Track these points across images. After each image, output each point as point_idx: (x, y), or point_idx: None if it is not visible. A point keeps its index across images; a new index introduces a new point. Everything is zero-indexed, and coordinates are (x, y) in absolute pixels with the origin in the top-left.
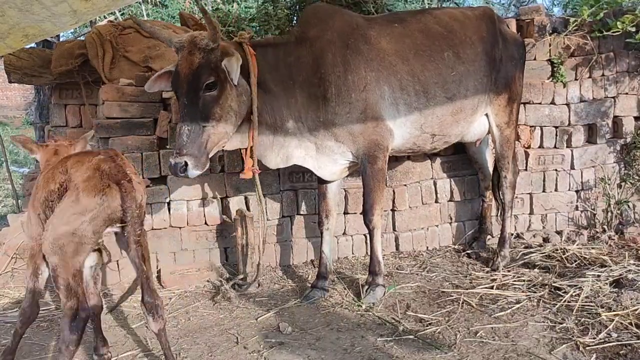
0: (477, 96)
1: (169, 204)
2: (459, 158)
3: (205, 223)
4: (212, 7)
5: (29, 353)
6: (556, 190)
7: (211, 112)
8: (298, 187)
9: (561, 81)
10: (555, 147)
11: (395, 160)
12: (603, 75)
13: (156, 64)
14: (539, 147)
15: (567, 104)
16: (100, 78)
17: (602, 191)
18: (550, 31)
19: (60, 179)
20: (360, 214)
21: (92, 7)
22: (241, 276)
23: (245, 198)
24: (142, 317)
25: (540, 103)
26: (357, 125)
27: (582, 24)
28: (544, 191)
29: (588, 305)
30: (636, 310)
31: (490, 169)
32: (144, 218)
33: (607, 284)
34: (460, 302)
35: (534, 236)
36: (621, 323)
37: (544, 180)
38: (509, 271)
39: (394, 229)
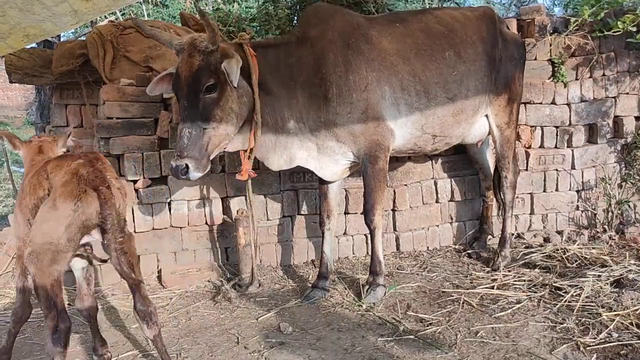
0: (477, 96)
1: (169, 204)
2: (460, 158)
3: (206, 223)
4: (212, 7)
5: (30, 353)
6: (557, 190)
7: (212, 114)
8: (299, 187)
9: (562, 81)
10: (556, 147)
11: (396, 160)
12: (604, 75)
13: (157, 64)
14: (540, 147)
15: (568, 104)
16: (101, 78)
17: (603, 191)
18: (551, 31)
19: (47, 184)
20: (361, 214)
21: (93, 7)
22: (243, 276)
23: (246, 198)
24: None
25: (541, 103)
26: (358, 125)
27: (583, 24)
28: (544, 191)
29: (589, 305)
30: (637, 310)
31: (491, 169)
32: (124, 225)
33: (607, 284)
34: (461, 302)
35: (534, 236)
36: (622, 323)
37: (544, 180)
38: (509, 271)
39: (394, 229)
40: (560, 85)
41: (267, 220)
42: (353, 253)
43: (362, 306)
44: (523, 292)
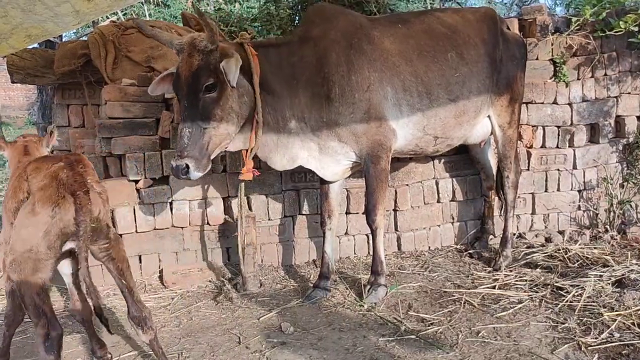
0: (480, 98)
1: (171, 204)
2: (461, 158)
3: (208, 223)
4: (214, 7)
5: (32, 353)
6: (558, 190)
7: (212, 113)
8: (300, 187)
9: (563, 81)
10: (557, 146)
11: (398, 160)
12: (605, 74)
13: (158, 64)
14: (542, 146)
15: (570, 104)
16: (102, 78)
17: (605, 191)
18: (553, 31)
19: (26, 187)
20: (363, 213)
21: (95, 7)
22: (244, 276)
23: (248, 198)
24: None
25: (542, 103)
26: (361, 125)
27: (585, 24)
28: (546, 191)
29: (590, 305)
30: (638, 310)
31: (493, 169)
32: (108, 232)
33: (609, 283)
34: (462, 302)
35: (536, 236)
36: (623, 323)
37: (546, 180)
38: (511, 271)
39: (396, 229)
40: (562, 85)
41: (269, 220)
42: (354, 253)
43: (363, 306)
44: (524, 292)
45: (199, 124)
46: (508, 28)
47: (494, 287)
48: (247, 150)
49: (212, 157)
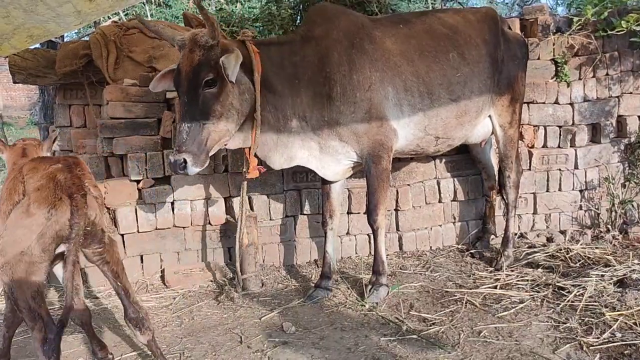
0: (481, 98)
1: (172, 203)
2: (463, 158)
3: (209, 223)
4: (215, 7)
5: (34, 353)
6: (560, 189)
7: (211, 109)
8: (301, 186)
9: (565, 81)
10: (559, 146)
11: (399, 160)
12: (607, 74)
13: (160, 64)
14: (543, 146)
15: (571, 104)
16: (104, 78)
17: (606, 191)
18: (554, 30)
19: (22, 188)
20: (364, 213)
21: (96, 7)
22: (244, 276)
23: (249, 198)
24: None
25: (544, 102)
26: (362, 125)
27: (586, 23)
28: (547, 191)
29: (592, 305)
30: None
31: (494, 169)
32: (102, 236)
33: (611, 283)
34: (464, 302)
35: (537, 236)
36: (625, 323)
37: (547, 180)
38: (512, 271)
39: (397, 229)
40: (563, 84)
41: (270, 220)
42: (356, 253)
43: (365, 306)
44: (526, 291)
45: (198, 120)
46: (509, 28)
47: (495, 287)
48: (249, 149)
49: (210, 154)
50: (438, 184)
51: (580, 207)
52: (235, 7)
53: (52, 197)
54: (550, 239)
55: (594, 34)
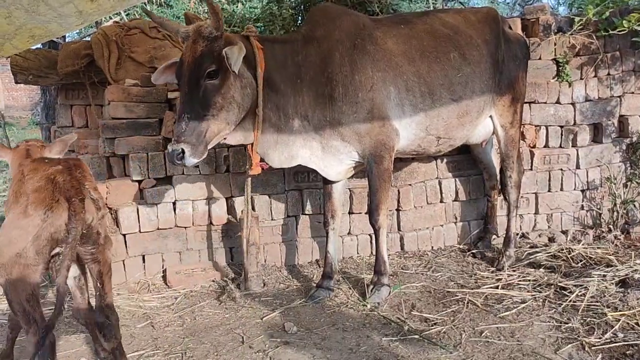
0: (482, 98)
1: (174, 203)
2: (464, 158)
3: (211, 223)
4: None
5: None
6: (562, 189)
7: (212, 100)
8: (303, 186)
9: (566, 80)
10: (560, 146)
11: (400, 160)
12: (609, 74)
13: (162, 64)
14: (545, 146)
15: (573, 104)
16: (106, 78)
17: (608, 191)
18: (556, 30)
19: (23, 189)
20: (366, 213)
21: (98, 7)
22: (247, 275)
23: (251, 198)
24: (147, 317)
25: (545, 102)
26: (364, 125)
27: (588, 23)
28: (549, 191)
29: (594, 305)
30: None
31: (496, 169)
32: (97, 238)
33: (613, 283)
34: (466, 302)
35: (539, 236)
36: (627, 323)
37: (549, 180)
38: (514, 271)
39: (399, 229)
40: (564, 84)
41: (272, 220)
42: (357, 253)
43: (366, 306)
44: (528, 291)
45: (199, 111)
46: (510, 27)
47: (497, 287)
48: (251, 145)
49: (209, 146)
50: (440, 184)
51: (582, 207)
52: (237, 7)
53: (49, 198)
54: (552, 239)
55: (595, 33)
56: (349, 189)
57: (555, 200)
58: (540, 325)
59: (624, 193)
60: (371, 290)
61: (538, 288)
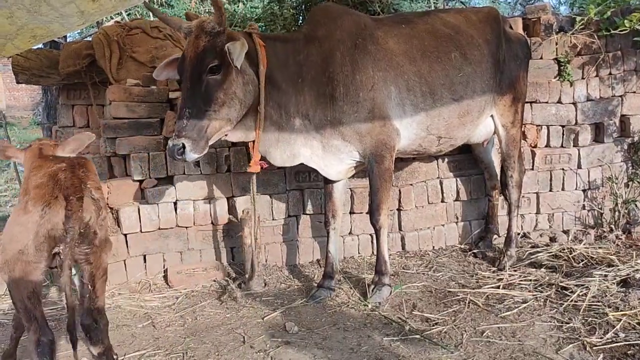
0: (483, 98)
1: (175, 203)
2: (465, 157)
3: (212, 223)
4: None
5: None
6: (563, 189)
7: (214, 96)
8: (304, 186)
9: (568, 80)
10: (562, 146)
11: (402, 160)
12: (610, 74)
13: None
14: (546, 146)
15: (574, 103)
16: (107, 78)
17: (610, 190)
18: (557, 30)
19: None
20: (367, 213)
21: (100, 7)
22: (247, 275)
23: (251, 194)
24: (148, 316)
25: (547, 102)
26: (365, 124)
27: (589, 23)
28: (550, 190)
29: (595, 305)
30: None
31: (497, 169)
32: (94, 238)
33: (614, 283)
34: (467, 302)
35: (540, 235)
36: (629, 323)
37: (550, 180)
38: (515, 271)
39: (400, 229)
40: (566, 84)
41: (273, 219)
42: (358, 252)
43: (367, 305)
44: (529, 291)
45: (201, 106)
46: (511, 27)
47: (498, 287)
48: (253, 143)
49: (210, 142)
50: (441, 183)
51: (584, 207)
52: (238, 7)
53: (48, 195)
54: (553, 239)
55: (597, 33)
56: (350, 188)
57: (556, 200)
58: (541, 325)
59: (626, 193)
60: (372, 290)
61: (539, 288)
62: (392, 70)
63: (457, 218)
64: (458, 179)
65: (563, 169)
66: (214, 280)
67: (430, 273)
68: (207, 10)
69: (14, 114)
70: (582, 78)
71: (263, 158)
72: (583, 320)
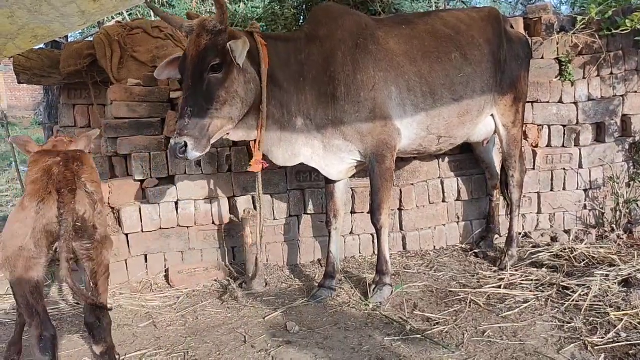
0: (483, 97)
1: (176, 203)
2: (466, 157)
3: (213, 222)
4: None
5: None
6: (564, 189)
7: (216, 94)
8: (305, 186)
9: (569, 80)
10: (563, 146)
11: (403, 159)
12: (612, 73)
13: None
14: (547, 146)
15: (575, 103)
16: (108, 78)
17: (611, 190)
18: (558, 30)
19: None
20: (368, 213)
21: (101, 7)
22: (250, 275)
23: (253, 198)
24: (149, 316)
25: (548, 102)
26: (366, 124)
27: (590, 22)
28: (552, 190)
29: (597, 305)
30: None
31: (498, 168)
32: (93, 232)
33: (615, 283)
34: (468, 302)
35: (542, 235)
36: (630, 323)
37: (552, 179)
38: (516, 270)
39: (401, 229)
40: (567, 84)
41: (274, 219)
42: (360, 252)
43: (368, 305)
44: (530, 291)
45: (202, 105)
46: (512, 27)
47: (499, 287)
48: (254, 142)
49: (212, 141)
50: (442, 183)
51: (585, 207)
52: (239, 6)
53: (43, 190)
54: (554, 239)
55: (598, 33)
56: (351, 188)
57: (557, 199)
58: (542, 325)
59: (627, 192)
60: (373, 290)
61: (540, 288)
62: (392, 71)
63: (459, 218)
64: (459, 178)
65: (564, 169)
66: (215, 280)
67: (432, 273)
68: (208, 10)
69: (15, 114)
70: (584, 78)
71: (264, 157)
72: (584, 320)
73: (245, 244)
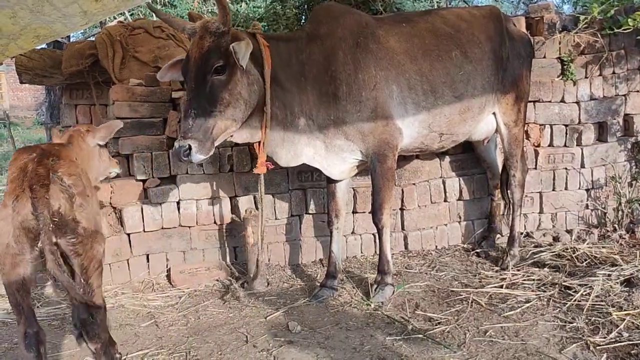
0: (484, 95)
1: (178, 203)
2: (468, 157)
3: (215, 222)
4: None
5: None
6: (566, 188)
7: (219, 97)
8: (307, 186)
9: (571, 79)
10: (565, 145)
11: (404, 159)
12: (614, 73)
13: (166, 63)
14: (549, 145)
15: (577, 102)
16: (110, 78)
17: (613, 190)
18: (560, 29)
19: None
20: (369, 213)
21: (103, 7)
22: (252, 275)
23: (254, 197)
24: (151, 316)
25: (550, 101)
26: (368, 123)
27: (592, 22)
28: (553, 190)
29: (599, 305)
30: None
31: (499, 168)
32: (75, 227)
33: (617, 283)
34: (470, 301)
35: (543, 235)
36: (632, 322)
37: (553, 179)
38: (518, 270)
39: (402, 228)
40: (569, 83)
41: (275, 219)
42: (361, 252)
43: (370, 305)
44: (532, 291)
45: (206, 107)
46: (514, 25)
47: (501, 287)
48: (259, 143)
49: (216, 143)
50: (443, 183)
51: (587, 206)
52: (240, 6)
53: (18, 188)
54: (556, 238)
55: (600, 32)
56: (352, 188)
57: (559, 199)
58: (544, 325)
59: (629, 192)
60: (375, 290)
61: (542, 287)
62: (393, 69)
63: (460, 217)
64: (461, 178)
65: (566, 169)
66: (217, 280)
67: (433, 272)
68: (209, 10)
69: (17, 114)
70: (586, 77)
71: (269, 158)
72: (586, 320)
73: (246, 243)
